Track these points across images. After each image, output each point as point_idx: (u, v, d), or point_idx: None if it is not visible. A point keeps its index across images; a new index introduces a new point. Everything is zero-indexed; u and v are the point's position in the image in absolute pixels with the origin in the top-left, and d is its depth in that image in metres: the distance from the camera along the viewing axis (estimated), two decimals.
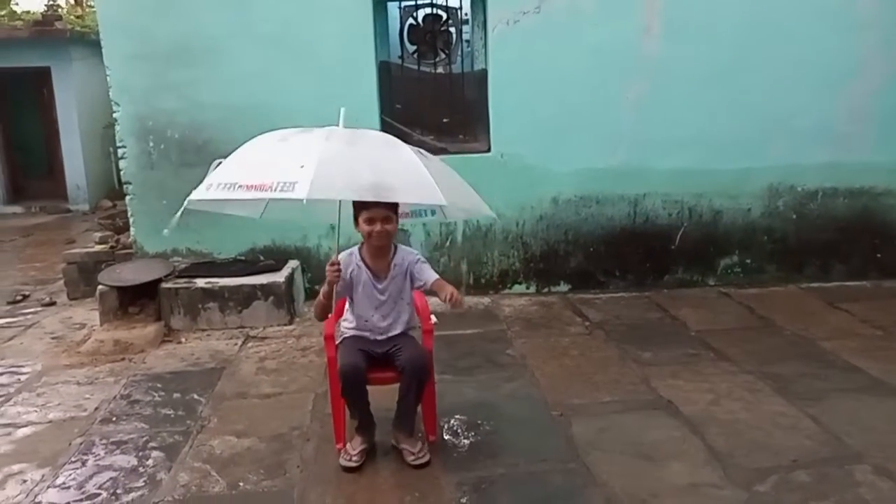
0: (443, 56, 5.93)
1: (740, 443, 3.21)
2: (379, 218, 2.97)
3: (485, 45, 5.52)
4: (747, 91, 5.43)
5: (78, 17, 12.18)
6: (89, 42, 10.33)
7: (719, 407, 3.59)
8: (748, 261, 5.76)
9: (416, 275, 3.15)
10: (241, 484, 3.02)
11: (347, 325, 3.26)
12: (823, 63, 5.41)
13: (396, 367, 3.08)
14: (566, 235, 5.66)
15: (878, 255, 5.76)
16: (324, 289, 3.02)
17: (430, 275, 3.11)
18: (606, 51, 5.34)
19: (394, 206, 3.00)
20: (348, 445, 3.12)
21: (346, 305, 3.27)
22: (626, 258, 5.70)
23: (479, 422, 3.45)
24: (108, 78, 5.40)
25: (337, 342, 3.20)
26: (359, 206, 2.98)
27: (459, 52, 5.90)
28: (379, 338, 3.18)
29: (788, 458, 3.06)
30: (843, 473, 2.94)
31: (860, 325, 4.76)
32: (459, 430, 3.40)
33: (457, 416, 3.50)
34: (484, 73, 5.52)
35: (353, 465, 3.05)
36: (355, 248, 3.18)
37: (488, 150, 5.51)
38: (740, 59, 5.39)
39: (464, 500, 2.84)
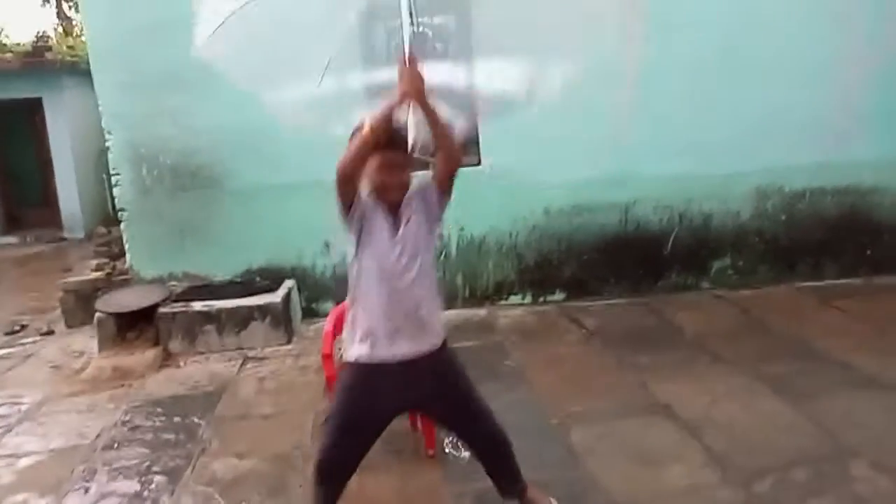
0: None
1: (738, 443, 3.24)
2: (398, 164, 2.39)
3: (470, 51, 5.56)
4: (733, 94, 5.50)
5: (69, 46, 12.26)
6: (80, 71, 10.38)
7: (717, 409, 3.62)
8: (740, 263, 5.81)
9: (428, 194, 2.48)
10: None
11: (356, 339, 2.44)
12: (809, 64, 5.47)
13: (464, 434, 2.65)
14: (559, 245, 5.71)
15: (869, 252, 5.82)
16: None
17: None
18: (590, 58, 5.38)
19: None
20: None
21: (349, 310, 2.48)
22: (620, 265, 5.74)
23: None
24: (100, 106, 5.45)
25: (338, 364, 2.68)
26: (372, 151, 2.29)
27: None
28: (405, 357, 2.39)
29: (786, 457, 3.09)
30: (840, 470, 2.97)
31: (853, 323, 4.81)
32: (460, 443, 3.41)
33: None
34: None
35: None
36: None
37: (478, 164, 5.56)
38: (725, 62, 5.45)
39: None
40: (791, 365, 4.11)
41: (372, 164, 2.33)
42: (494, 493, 2.94)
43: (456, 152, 2.44)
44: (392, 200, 2.41)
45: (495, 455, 2.65)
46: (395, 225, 2.40)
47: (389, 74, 2.36)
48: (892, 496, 2.77)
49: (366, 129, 2.21)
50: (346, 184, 2.30)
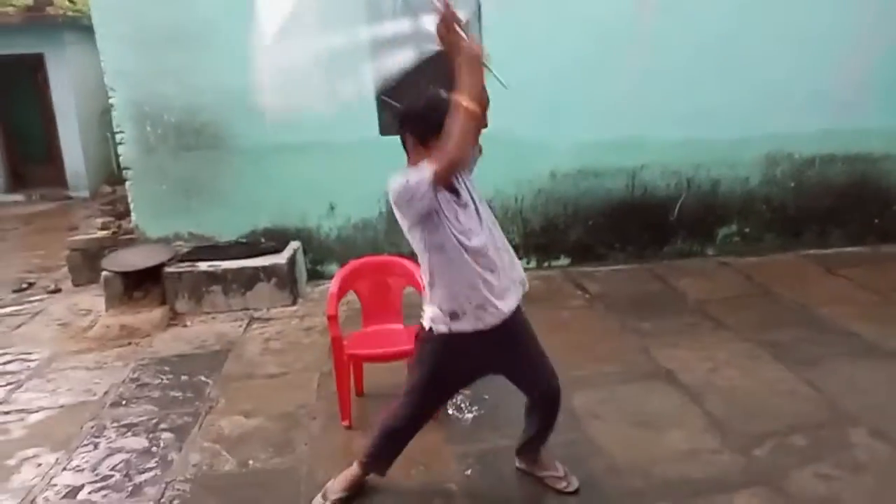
0: None
1: (738, 409, 3.28)
2: None
3: (479, 19, 5.49)
4: (744, 60, 5.42)
5: (71, 1, 12.07)
6: (82, 27, 10.25)
7: (718, 375, 3.65)
8: (747, 230, 5.79)
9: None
10: (251, 462, 3.09)
11: (445, 308, 2.41)
12: (820, 30, 5.39)
13: (527, 391, 2.70)
14: (565, 209, 5.68)
15: (876, 221, 5.79)
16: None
17: None
18: (602, 23, 5.31)
19: None
20: (334, 490, 2.72)
21: (428, 278, 2.42)
22: (626, 230, 5.72)
23: (483, 396, 3.51)
24: (103, 63, 5.38)
25: (432, 331, 2.46)
26: (440, 126, 2.21)
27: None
28: (494, 324, 2.41)
29: (786, 423, 3.13)
30: (839, 436, 3.01)
31: (857, 291, 4.81)
32: (463, 405, 3.47)
33: (460, 391, 3.55)
34: (482, 48, 5.48)
35: None
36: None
37: (485, 126, 5.49)
38: (737, 28, 5.36)
39: (468, 472, 2.91)
40: (794, 332, 4.12)
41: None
42: (496, 454, 3.00)
43: (485, 111, 2.38)
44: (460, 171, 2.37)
45: (551, 415, 2.72)
46: (457, 193, 2.37)
47: (395, 29, 2.30)
48: (890, 462, 2.81)
49: (471, 108, 2.15)
50: (457, 169, 2.26)
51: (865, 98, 5.54)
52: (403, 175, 2.25)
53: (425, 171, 2.19)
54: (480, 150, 2.46)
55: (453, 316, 2.40)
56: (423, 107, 2.34)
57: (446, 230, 2.31)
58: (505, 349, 2.52)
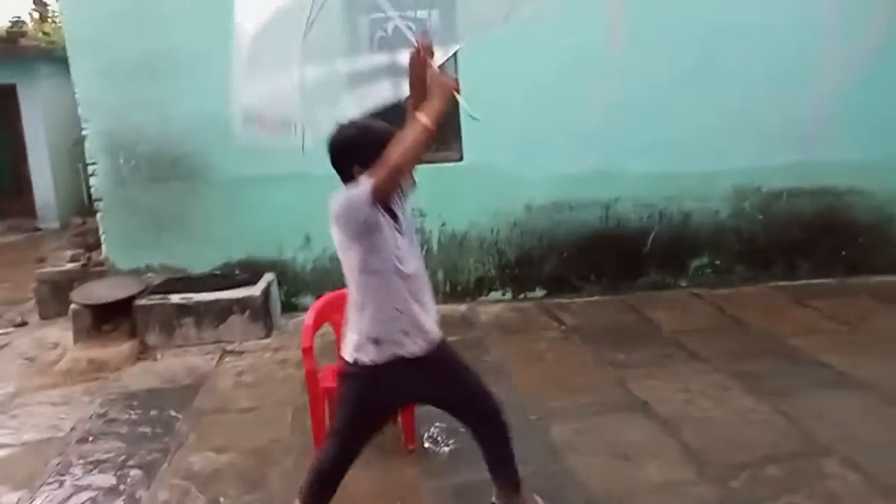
0: None
1: (714, 440, 3.29)
2: None
3: (455, 54, 5.57)
4: (713, 94, 5.56)
5: (45, 32, 12.01)
6: (56, 58, 10.18)
7: (693, 406, 3.67)
8: (718, 262, 5.88)
9: None
10: (222, 499, 3.02)
11: (384, 339, 2.39)
12: (786, 66, 5.56)
13: (462, 417, 2.67)
14: (540, 241, 5.73)
15: (843, 253, 5.91)
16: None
17: None
18: (573, 55, 5.43)
19: None
20: None
21: (360, 314, 2.40)
22: (600, 262, 5.78)
23: (459, 429, 3.47)
24: (77, 94, 5.36)
25: (356, 363, 2.41)
26: (382, 146, 2.24)
27: None
28: (420, 352, 2.42)
29: (760, 453, 3.14)
30: (813, 467, 3.03)
31: (827, 322, 4.89)
32: (439, 438, 3.43)
33: (436, 424, 3.52)
34: (455, 81, 5.56)
35: None
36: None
37: (461, 160, 5.56)
38: (705, 62, 5.51)
39: None
40: (766, 363, 4.17)
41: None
42: (473, 488, 2.96)
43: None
44: (396, 193, 2.39)
45: (499, 435, 2.65)
46: (394, 216, 2.39)
47: (372, 62, 2.34)
48: (863, 493, 2.83)
49: (429, 126, 2.19)
50: (397, 182, 2.25)
51: (833, 132, 5.70)
52: (345, 194, 2.25)
53: (365, 183, 2.20)
54: (414, 183, 2.47)
55: (377, 342, 2.37)
56: (359, 131, 2.35)
57: (387, 252, 2.32)
58: (432, 378, 2.48)
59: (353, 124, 2.37)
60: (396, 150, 2.18)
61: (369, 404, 2.48)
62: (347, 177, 2.34)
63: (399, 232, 2.38)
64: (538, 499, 2.78)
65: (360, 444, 2.53)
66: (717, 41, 5.49)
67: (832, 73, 5.63)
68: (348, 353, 2.43)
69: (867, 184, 5.83)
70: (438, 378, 2.51)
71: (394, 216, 2.39)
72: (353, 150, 2.31)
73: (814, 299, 5.34)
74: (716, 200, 5.78)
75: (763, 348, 4.43)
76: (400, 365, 2.39)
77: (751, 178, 5.76)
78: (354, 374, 2.42)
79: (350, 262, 2.35)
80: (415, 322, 2.40)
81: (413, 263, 2.41)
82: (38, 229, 11.01)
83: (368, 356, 2.38)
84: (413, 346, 2.40)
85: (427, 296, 2.47)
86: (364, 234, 2.27)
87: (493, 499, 2.81)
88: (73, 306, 5.05)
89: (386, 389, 2.44)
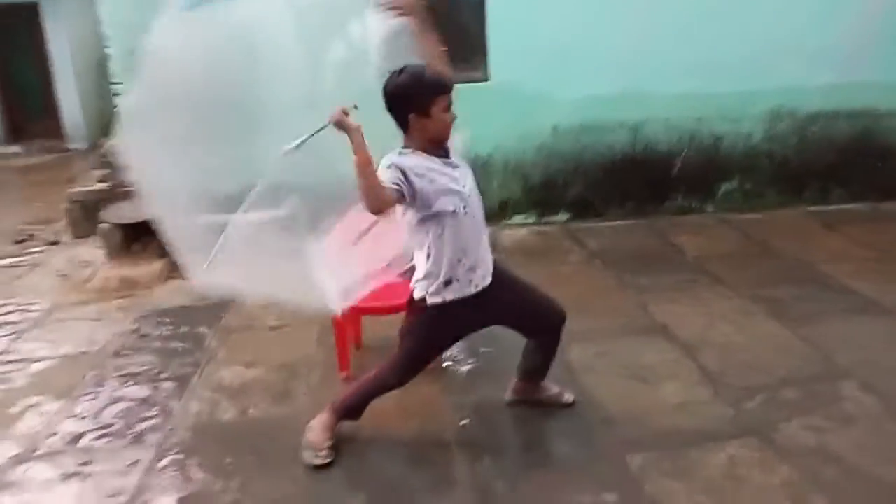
0: None
1: (732, 364, 3.31)
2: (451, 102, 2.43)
3: None
4: (749, 13, 5.31)
5: None
6: None
7: (713, 330, 3.67)
8: (748, 185, 5.75)
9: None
10: (251, 411, 3.14)
11: (443, 276, 2.47)
12: None
13: (531, 329, 2.80)
14: (566, 164, 5.64)
15: (878, 178, 5.75)
16: (357, 161, 2.19)
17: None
18: None
19: None
20: (320, 441, 2.71)
21: (424, 245, 2.47)
22: (626, 186, 5.69)
23: (479, 349, 3.54)
24: (100, 12, 5.28)
25: (425, 301, 2.53)
26: (435, 91, 2.35)
27: None
28: (485, 285, 2.55)
29: (778, 376, 3.16)
30: (830, 390, 3.04)
31: (857, 248, 4.81)
32: (460, 357, 3.50)
33: (457, 344, 3.58)
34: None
35: (327, 461, 2.70)
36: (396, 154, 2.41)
37: (486, 79, 5.43)
38: None
39: (464, 422, 2.96)
40: (791, 288, 4.14)
41: (440, 106, 2.35)
42: (492, 405, 3.05)
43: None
44: (446, 139, 2.45)
45: (553, 339, 2.83)
46: (447, 163, 2.45)
47: None
48: (879, 415, 2.85)
49: (357, 160, 2.19)
50: (382, 207, 2.29)
51: (871, 52, 5.44)
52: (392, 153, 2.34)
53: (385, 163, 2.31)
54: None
55: (448, 283, 2.49)
56: (411, 78, 2.35)
57: (445, 197, 2.39)
58: (496, 303, 2.60)
59: (405, 71, 2.37)
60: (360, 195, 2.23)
61: (437, 339, 2.68)
62: (403, 123, 2.39)
63: (452, 168, 2.45)
64: (553, 385, 2.98)
65: (421, 370, 2.71)
66: None
67: None
68: (418, 292, 2.53)
69: None
70: (502, 301, 2.62)
71: (446, 153, 2.45)
72: (405, 97, 2.34)
73: (845, 225, 5.24)
74: (749, 122, 5.60)
75: (789, 274, 4.39)
76: (469, 300, 2.52)
77: (787, 99, 5.56)
78: (425, 311, 2.56)
79: (406, 217, 2.45)
80: (479, 258, 2.52)
81: (472, 201, 2.49)
82: (68, 150, 11.13)
83: (440, 296, 2.50)
84: (480, 281, 2.53)
85: (485, 229, 2.57)
86: (413, 194, 2.34)
87: (509, 396, 3.01)
88: (103, 226, 5.15)
89: (456, 324, 2.62)
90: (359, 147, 2.19)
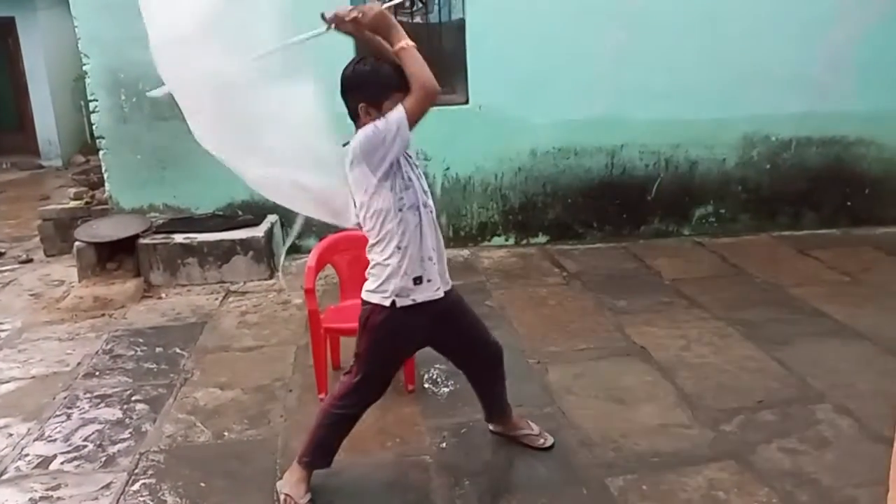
0: (420, 5, 5.85)
1: (709, 386, 3.34)
2: None
3: None
4: (724, 40, 5.44)
5: None
6: None
7: (690, 352, 3.71)
8: (722, 210, 5.85)
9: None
10: (226, 433, 3.09)
11: (412, 281, 2.38)
12: (800, 12, 5.42)
13: (468, 357, 2.74)
14: (544, 187, 5.70)
15: (849, 204, 5.88)
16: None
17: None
18: (584, 1, 5.30)
19: None
20: (299, 494, 2.54)
21: (385, 254, 2.37)
22: (604, 209, 5.76)
23: (458, 371, 3.52)
24: (77, 29, 5.25)
25: (387, 303, 2.39)
26: (391, 86, 2.26)
27: (436, 1, 5.81)
28: (446, 289, 2.49)
29: (754, 399, 3.19)
30: (805, 412, 3.07)
31: (828, 272, 4.90)
32: (439, 380, 3.49)
33: (436, 366, 3.57)
34: (462, 22, 5.45)
35: None
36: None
37: (466, 102, 5.48)
38: (717, 7, 5.38)
39: (443, 445, 2.94)
40: (765, 312, 4.19)
41: (393, 102, 2.26)
42: (471, 427, 3.03)
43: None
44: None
45: (496, 371, 2.78)
46: (407, 158, 2.39)
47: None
48: (853, 438, 2.88)
49: (411, 45, 2.19)
50: (432, 102, 2.23)
51: (845, 81, 5.59)
52: (366, 128, 2.24)
53: (395, 111, 2.20)
54: None
55: (417, 281, 2.38)
56: (371, 69, 2.30)
57: (415, 188, 2.35)
58: (451, 319, 2.56)
59: (366, 61, 2.33)
60: (424, 72, 2.18)
61: (404, 346, 2.59)
62: (353, 111, 2.33)
63: (417, 171, 2.41)
64: (532, 424, 2.91)
65: (384, 388, 2.58)
66: None
67: (846, 22, 5.49)
68: (387, 296, 2.38)
69: (877, 134, 5.76)
70: (452, 318, 2.57)
71: (407, 157, 2.39)
72: (363, 86, 2.29)
73: (817, 250, 5.34)
74: (724, 148, 5.71)
75: (763, 297, 4.45)
76: (428, 308, 2.42)
77: (760, 127, 5.68)
78: (391, 316, 2.40)
79: (380, 203, 2.31)
80: (444, 264, 2.49)
81: (432, 208, 2.44)
82: (41, 167, 10.99)
83: (409, 297, 2.39)
84: (444, 286, 2.48)
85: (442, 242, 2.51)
86: (396, 167, 2.28)
87: (491, 428, 2.95)
88: (77, 244, 5.08)
89: (416, 332, 2.50)
90: (397, 31, 2.19)
